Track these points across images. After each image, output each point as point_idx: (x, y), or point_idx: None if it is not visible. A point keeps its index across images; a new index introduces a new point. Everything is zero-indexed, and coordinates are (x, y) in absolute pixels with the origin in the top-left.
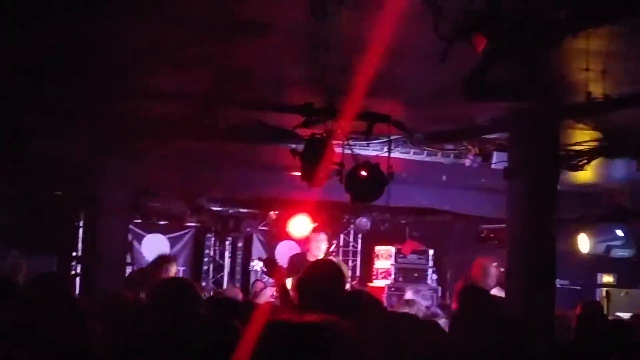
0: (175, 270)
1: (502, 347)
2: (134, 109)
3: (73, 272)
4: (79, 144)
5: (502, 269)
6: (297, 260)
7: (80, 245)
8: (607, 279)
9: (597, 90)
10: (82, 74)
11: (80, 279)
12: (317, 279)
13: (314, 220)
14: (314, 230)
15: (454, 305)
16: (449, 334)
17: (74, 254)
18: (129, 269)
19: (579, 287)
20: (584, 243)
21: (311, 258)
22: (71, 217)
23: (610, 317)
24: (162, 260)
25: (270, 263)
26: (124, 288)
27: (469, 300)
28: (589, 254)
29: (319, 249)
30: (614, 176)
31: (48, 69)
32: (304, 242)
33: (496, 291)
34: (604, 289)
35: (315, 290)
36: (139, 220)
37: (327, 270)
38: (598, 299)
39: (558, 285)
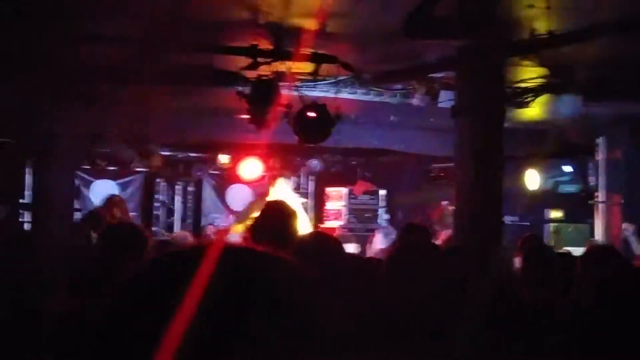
0: (122, 211)
1: (445, 284)
2: (81, 53)
3: (21, 220)
4: (25, 90)
5: (451, 207)
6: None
7: (27, 192)
8: (556, 214)
9: (541, 26)
10: (26, 18)
11: (30, 226)
12: (268, 219)
13: (266, 164)
14: (271, 177)
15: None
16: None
17: (21, 201)
18: (77, 215)
19: (527, 223)
20: (532, 179)
21: None
22: (19, 164)
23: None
24: (110, 202)
25: None
26: (74, 232)
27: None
28: (538, 190)
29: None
30: (561, 112)
31: None
32: (254, 185)
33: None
34: (552, 225)
35: (266, 230)
36: (87, 167)
37: (277, 210)
38: (547, 235)
39: (507, 222)
